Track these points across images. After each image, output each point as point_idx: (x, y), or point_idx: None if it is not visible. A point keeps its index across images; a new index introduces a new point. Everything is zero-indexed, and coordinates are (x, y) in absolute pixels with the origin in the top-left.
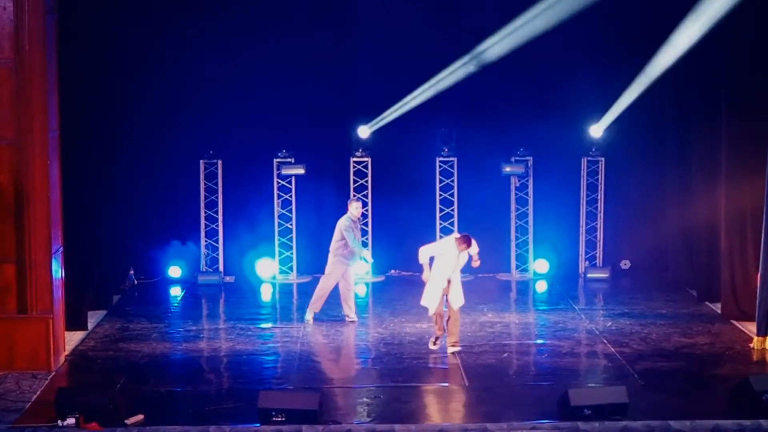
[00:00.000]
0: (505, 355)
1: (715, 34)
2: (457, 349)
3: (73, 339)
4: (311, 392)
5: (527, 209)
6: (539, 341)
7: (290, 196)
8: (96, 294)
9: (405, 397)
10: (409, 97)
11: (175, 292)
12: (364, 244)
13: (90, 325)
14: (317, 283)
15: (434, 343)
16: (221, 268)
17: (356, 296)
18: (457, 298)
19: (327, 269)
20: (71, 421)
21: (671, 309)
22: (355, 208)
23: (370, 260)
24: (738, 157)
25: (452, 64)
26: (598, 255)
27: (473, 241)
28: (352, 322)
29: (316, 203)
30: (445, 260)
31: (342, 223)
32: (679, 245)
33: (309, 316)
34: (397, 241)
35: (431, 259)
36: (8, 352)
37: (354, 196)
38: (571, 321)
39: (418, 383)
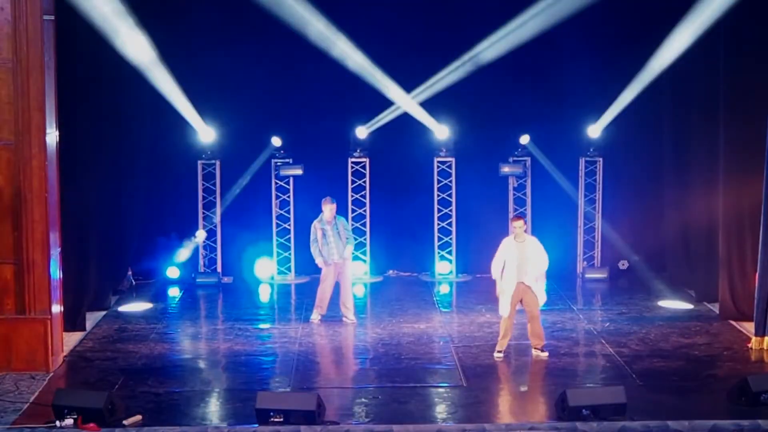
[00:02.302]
0: (504, 355)
1: (712, 34)
2: (543, 355)
3: (71, 340)
4: (309, 393)
5: (525, 209)
6: None
7: (288, 197)
8: (94, 295)
9: (403, 398)
10: (407, 98)
11: (174, 292)
12: (362, 245)
13: (88, 326)
14: (315, 283)
15: (499, 352)
16: (219, 269)
17: (354, 297)
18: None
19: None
20: (69, 421)
21: (669, 309)
22: (327, 210)
23: (320, 266)
24: (736, 157)
25: (451, 64)
26: (596, 255)
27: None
28: (351, 322)
29: (315, 204)
30: (509, 260)
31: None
32: (677, 245)
33: (315, 316)
34: (395, 242)
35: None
36: (6, 352)
37: (328, 197)
38: (570, 321)
39: (416, 384)
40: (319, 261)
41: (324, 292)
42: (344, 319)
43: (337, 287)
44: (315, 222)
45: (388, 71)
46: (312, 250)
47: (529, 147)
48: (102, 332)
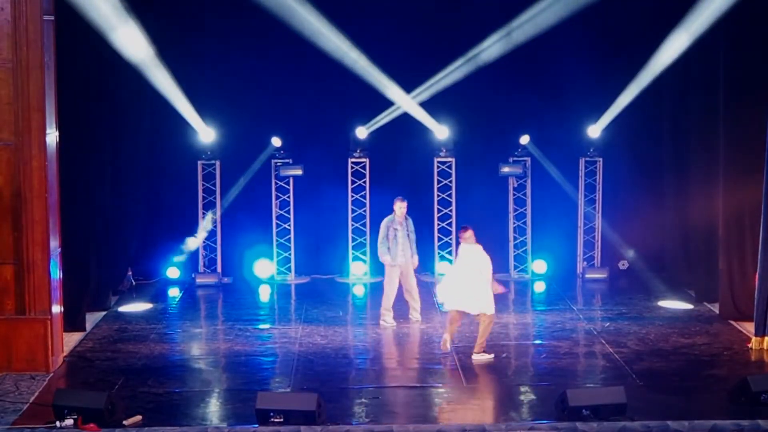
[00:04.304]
0: (504, 356)
1: (712, 35)
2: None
3: (71, 340)
4: (309, 393)
5: (525, 210)
6: (537, 342)
7: (288, 197)
8: (94, 295)
9: (403, 398)
10: (407, 98)
11: (174, 293)
12: (362, 246)
13: (88, 326)
14: (315, 283)
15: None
16: (219, 269)
17: (355, 297)
18: None
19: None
20: (69, 422)
21: (669, 309)
22: (397, 208)
23: (386, 264)
24: (736, 156)
25: (451, 64)
26: (596, 255)
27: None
28: (416, 321)
29: (315, 204)
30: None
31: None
32: (677, 245)
33: (388, 320)
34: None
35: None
36: (6, 353)
37: (399, 196)
38: (570, 321)
39: (417, 384)
40: (386, 259)
41: (390, 294)
42: (411, 318)
43: (400, 287)
44: (386, 220)
45: (388, 71)
46: (380, 249)
47: (529, 147)
48: (102, 332)
